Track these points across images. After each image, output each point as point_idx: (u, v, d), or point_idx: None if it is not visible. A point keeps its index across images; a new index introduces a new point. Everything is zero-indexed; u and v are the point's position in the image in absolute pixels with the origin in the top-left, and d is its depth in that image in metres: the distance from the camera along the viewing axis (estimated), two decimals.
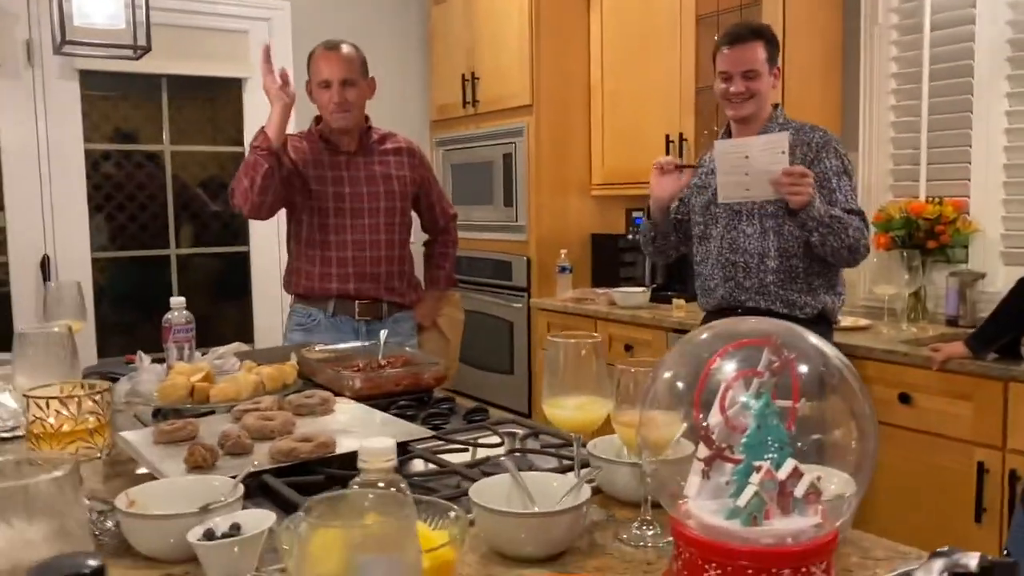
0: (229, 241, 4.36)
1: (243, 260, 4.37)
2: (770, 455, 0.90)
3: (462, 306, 3.03)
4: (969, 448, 2.41)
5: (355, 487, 0.76)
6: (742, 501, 0.88)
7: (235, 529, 1.02)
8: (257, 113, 4.27)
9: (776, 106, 2.59)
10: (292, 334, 2.73)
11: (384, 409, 1.67)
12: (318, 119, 2.72)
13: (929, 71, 3.14)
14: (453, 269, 2.99)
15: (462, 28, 4.41)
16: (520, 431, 1.58)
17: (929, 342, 2.67)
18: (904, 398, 2.55)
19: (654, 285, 3.83)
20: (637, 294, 3.63)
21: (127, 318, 4.12)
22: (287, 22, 4.29)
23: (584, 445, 1.25)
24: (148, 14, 2.42)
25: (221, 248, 4.35)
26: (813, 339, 0.97)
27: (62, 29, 2.38)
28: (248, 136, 4.25)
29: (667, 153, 3.64)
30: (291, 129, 4.05)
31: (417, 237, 2.90)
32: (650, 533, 1.10)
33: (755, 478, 0.89)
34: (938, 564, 0.87)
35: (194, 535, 1.00)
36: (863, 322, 3.03)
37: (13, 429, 1.66)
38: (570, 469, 1.33)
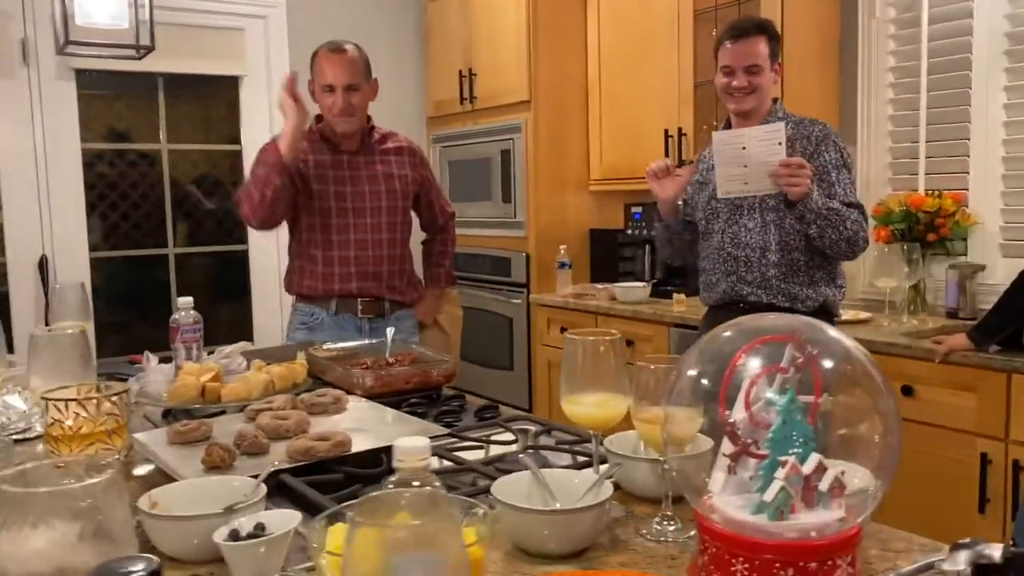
0: (224, 239, 4.35)
1: (242, 259, 4.36)
2: (795, 450, 0.91)
3: (460, 303, 3.04)
4: (972, 439, 2.43)
5: (390, 486, 0.76)
6: (769, 496, 0.89)
7: (260, 529, 1.02)
8: (253, 111, 4.27)
9: (776, 100, 2.60)
10: (295, 333, 2.73)
11: (395, 407, 1.68)
12: (319, 117, 2.71)
13: (927, 65, 3.16)
14: (452, 267, 3.00)
15: (459, 24, 4.41)
16: (533, 428, 1.58)
17: (930, 334, 2.68)
18: (907, 390, 2.57)
19: (654, 280, 3.84)
20: (638, 289, 3.64)
21: (123, 318, 4.11)
22: (283, 20, 4.28)
23: (600, 442, 1.26)
24: (152, 13, 2.41)
25: (220, 247, 4.34)
26: (835, 334, 0.98)
27: (65, 29, 2.37)
28: (245, 135, 4.28)
29: (665, 149, 3.65)
30: None
31: (415, 235, 2.90)
32: (671, 528, 1.11)
33: (781, 473, 0.90)
34: (964, 555, 0.87)
35: (219, 535, 1.00)
36: (863, 315, 3.04)
37: (24, 431, 1.66)
38: (585, 465, 1.34)
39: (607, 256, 4.11)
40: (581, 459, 1.41)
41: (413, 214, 2.84)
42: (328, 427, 1.48)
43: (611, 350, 1.16)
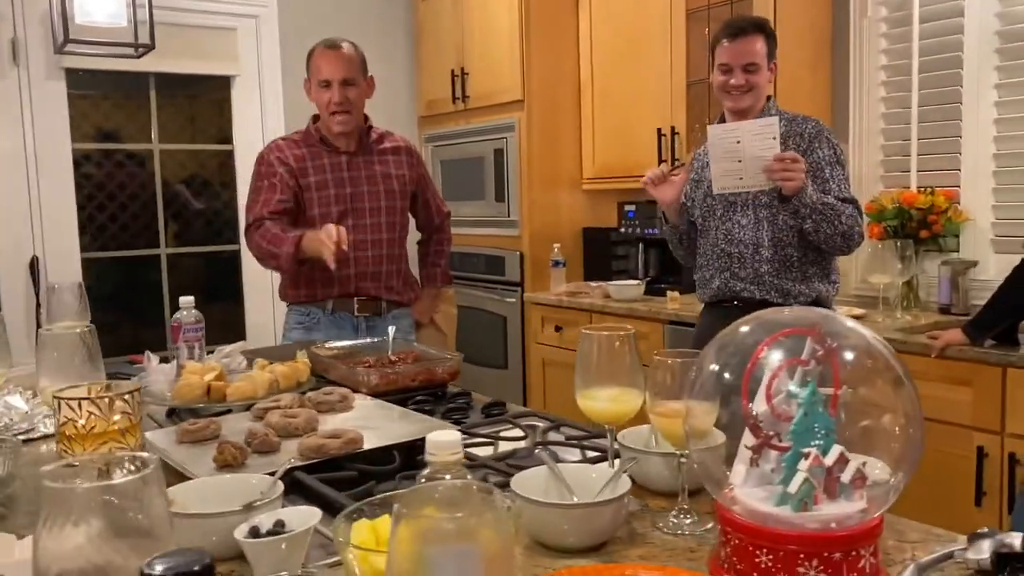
0: (214, 239, 4.33)
1: (233, 258, 4.34)
2: (816, 442, 0.92)
3: (455, 301, 3.04)
4: (968, 433, 2.45)
5: (423, 480, 0.77)
6: (793, 487, 0.90)
7: (279, 526, 1.02)
8: (245, 111, 4.26)
9: (769, 98, 2.61)
10: (292, 332, 2.72)
11: (401, 405, 1.68)
12: (315, 118, 2.70)
13: (919, 63, 3.18)
14: (449, 266, 3.00)
15: (451, 23, 4.40)
16: (541, 424, 1.59)
17: (923, 330, 2.71)
18: None
19: (648, 278, 3.85)
20: (632, 287, 3.65)
21: (113, 318, 4.08)
22: (274, 19, 4.26)
23: (615, 437, 1.26)
24: (151, 12, 2.39)
25: (211, 247, 4.32)
26: (851, 324, 0.99)
27: (64, 28, 2.35)
28: (237, 134, 4.26)
29: (658, 148, 3.67)
30: (286, 129, 4.05)
31: (410, 235, 2.90)
32: (688, 521, 1.12)
33: (804, 464, 0.91)
34: (987, 544, 0.89)
35: (240, 533, 1.00)
36: (857, 311, 3.07)
37: (28, 431, 1.65)
38: (596, 461, 1.35)
39: (600, 254, 4.12)
40: (591, 454, 1.41)
41: (409, 214, 2.84)
42: (336, 425, 1.48)
43: (626, 345, 1.17)
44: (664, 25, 3.65)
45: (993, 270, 2.97)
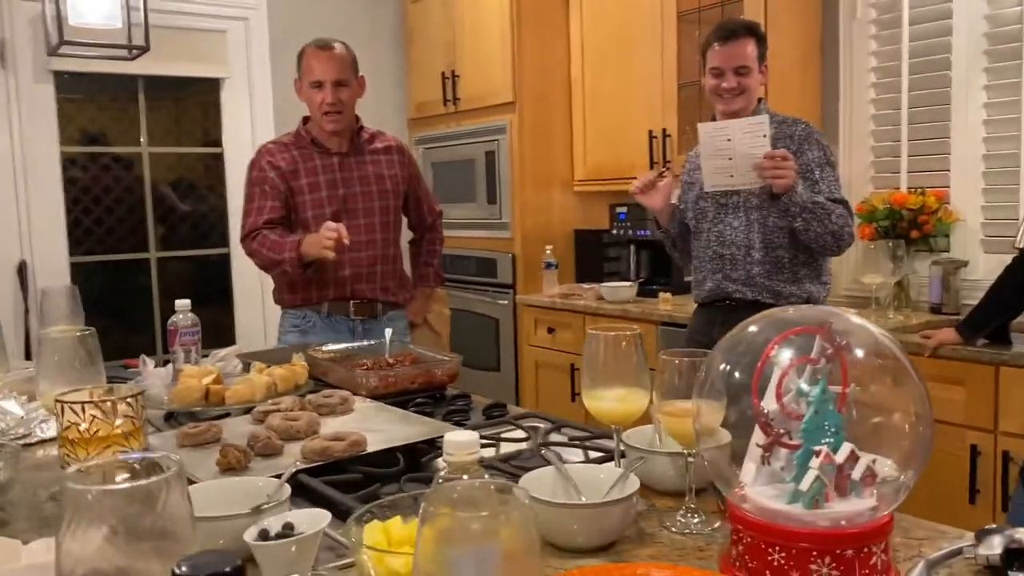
0: (200, 243, 4.30)
1: (223, 262, 4.31)
2: (827, 439, 0.92)
3: (448, 302, 3.04)
4: (962, 431, 2.47)
5: (441, 479, 0.76)
6: (804, 485, 0.90)
7: (288, 528, 1.01)
8: (234, 113, 4.24)
9: (760, 100, 2.63)
10: (287, 335, 2.71)
11: (401, 407, 1.67)
12: (306, 119, 2.70)
13: (908, 65, 3.21)
14: (441, 266, 3.00)
15: (441, 25, 4.40)
16: (543, 425, 1.59)
17: (915, 330, 2.73)
18: None
19: (640, 279, 3.86)
20: (624, 288, 3.66)
21: (102, 323, 4.03)
22: (264, 21, 4.25)
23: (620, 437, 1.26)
24: (146, 14, 2.38)
25: (201, 250, 4.29)
26: (860, 322, 0.99)
27: (59, 30, 2.33)
28: (226, 137, 4.24)
29: (649, 150, 3.68)
30: (276, 130, 4.03)
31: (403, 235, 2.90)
32: (695, 521, 1.12)
33: (815, 462, 0.91)
34: (997, 540, 0.89)
35: (249, 535, 1.00)
36: (849, 311, 3.08)
37: (25, 436, 1.64)
38: (599, 461, 1.35)
39: (592, 256, 4.13)
40: (594, 455, 1.41)
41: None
42: (338, 428, 1.48)
43: (632, 346, 1.17)
44: (655, 27, 3.66)
45: (983, 270, 2.99)
